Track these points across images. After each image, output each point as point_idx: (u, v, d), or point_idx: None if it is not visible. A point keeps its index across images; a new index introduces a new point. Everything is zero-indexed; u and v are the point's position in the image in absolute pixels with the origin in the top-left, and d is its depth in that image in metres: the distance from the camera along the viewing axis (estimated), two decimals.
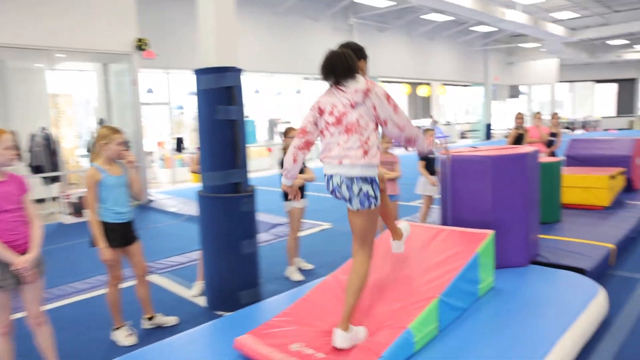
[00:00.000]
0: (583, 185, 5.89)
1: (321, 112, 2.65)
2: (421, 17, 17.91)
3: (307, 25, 15.17)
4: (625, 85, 30.73)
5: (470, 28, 20.38)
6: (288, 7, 14.02)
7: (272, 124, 15.30)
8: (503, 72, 25.66)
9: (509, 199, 3.77)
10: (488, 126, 24.23)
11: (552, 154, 7.70)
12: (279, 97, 17.64)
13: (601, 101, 31.21)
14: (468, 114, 26.31)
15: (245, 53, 13.45)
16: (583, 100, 31.28)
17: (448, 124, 24.31)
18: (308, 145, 2.71)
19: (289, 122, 17.78)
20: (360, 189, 2.52)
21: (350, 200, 2.58)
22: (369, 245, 2.65)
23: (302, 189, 4.80)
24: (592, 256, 4.08)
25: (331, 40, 16.19)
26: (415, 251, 3.31)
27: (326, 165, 2.63)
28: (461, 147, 17.19)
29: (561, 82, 28.62)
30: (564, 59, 26.54)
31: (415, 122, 23.10)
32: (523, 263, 3.87)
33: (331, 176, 2.61)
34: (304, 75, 16.11)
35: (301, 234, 5.24)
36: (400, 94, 21.69)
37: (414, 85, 21.78)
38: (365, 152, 2.49)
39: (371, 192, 2.54)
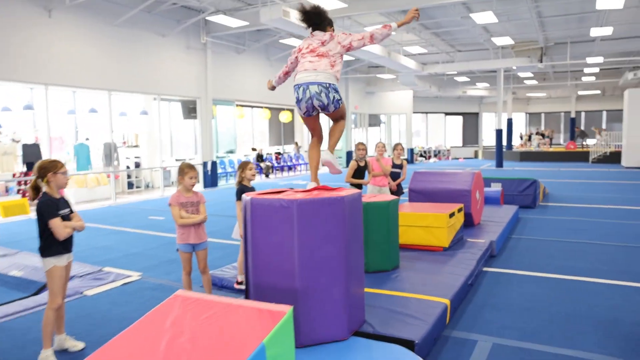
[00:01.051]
0: (422, 225, 5.40)
1: (300, 50, 3.65)
2: (279, 41, 17.45)
3: (153, 41, 13.75)
4: (470, 118, 33.60)
5: None
6: (127, 19, 12.51)
7: (110, 147, 13.45)
8: (363, 101, 26.34)
9: (321, 255, 2.93)
10: (349, 154, 24.50)
11: (399, 187, 7.31)
12: (124, 118, 15.83)
13: (450, 132, 33.68)
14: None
15: (78, 67, 11.65)
16: (435, 131, 33.47)
17: None
18: (286, 74, 3.98)
19: (137, 146, 16.04)
20: (334, 97, 3.50)
21: (327, 107, 3.54)
22: (344, 116, 3.82)
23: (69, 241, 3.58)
24: (425, 319, 3.40)
25: (183, 60, 15.07)
26: (178, 347, 2.27)
27: (301, 75, 3.52)
28: (281, 185, 16.67)
29: (416, 112, 30.28)
30: (418, 92, 28.11)
31: (277, 148, 22.60)
32: (342, 335, 3.04)
33: (307, 85, 3.46)
34: (153, 95, 14.59)
35: (78, 296, 3.95)
36: (260, 119, 20.99)
37: (276, 110, 21.24)
38: (332, 66, 3.52)
39: (338, 97, 3.54)
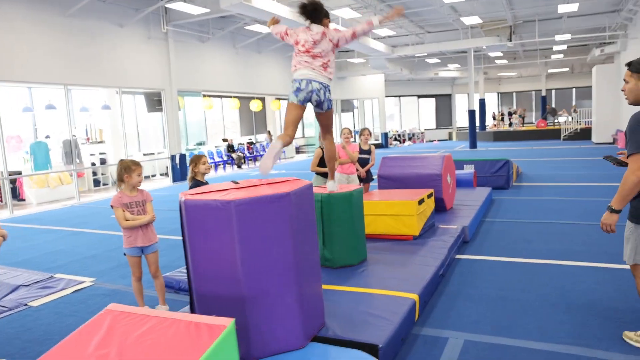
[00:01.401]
0: (391, 213, 5.14)
1: (297, 42, 3.96)
2: (245, 27, 16.94)
3: (111, 32, 13.11)
4: (443, 100, 33.55)
5: None
6: (80, 9, 11.87)
7: (71, 144, 12.85)
8: (334, 86, 25.97)
9: (267, 259, 2.63)
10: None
11: (368, 174, 7.04)
12: (86, 113, 15.19)
13: (424, 114, 33.62)
14: (305, 128, 26.05)
15: (29, 62, 11.00)
16: (409, 114, 33.35)
17: None
18: (281, 35, 4.18)
19: (102, 142, 15.43)
20: (328, 97, 3.95)
21: (322, 105, 3.94)
22: (331, 130, 4.29)
23: None
24: (391, 319, 3.14)
25: (144, 51, 14.42)
26: None
27: (303, 72, 3.86)
28: (226, 179, 16.66)
29: (388, 96, 30.07)
30: (390, 75, 27.86)
31: (249, 138, 22.13)
32: (298, 344, 2.76)
33: (310, 81, 3.83)
34: (114, 89, 13.99)
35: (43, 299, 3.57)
36: (229, 109, 20.49)
37: (246, 99, 20.76)
38: (325, 68, 3.91)
39: (330, 98, 4.00)
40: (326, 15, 3.99)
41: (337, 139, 6.83)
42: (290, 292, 2.67)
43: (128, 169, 3.89)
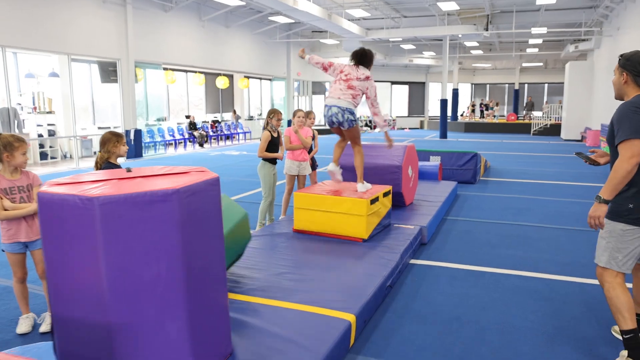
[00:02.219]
0: (340, 211, 4.51)
1: (341, 71, 4.68)
2: None
3: None
4: (416, 88, 33.11)
5: (269, 18, 19.10)
6: None
7: (9, 113, 11.76)
8: (306, 67, 25.15)
9: (143, 275, 1.95)
10: (289, 122, 23.41)
11: (312, 161, 6.42)
12: (33, 81, 14.03)
13: (396, 101, 33.12)
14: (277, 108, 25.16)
15: None
16: (381, 100, 32.79)
17: (251, 118, 22.85)
18: (324, 68, 4.86)
19: (51, 112, 14.30)
20: (348, 118, 4.59)
21: (342, 124, 4.64)
22: (358, 142, 4.88)
23: None
24: (316, 349, 2.52)
25: (98, 15, 13.22)
26: None
27: (329, 99, 4.64)
28: (210, 157, 15.56)
29: None
30: None
31: (215, 116, 21.17)
32: None
33: (330, 107, 4.61)
34: (63, 55, 12.86)
35: None
36: (194, 85, 19.47)
37: (213, 75, 19.77)
38: (354, 98, 4.59)
39: (352, 119, 4.61)
40: (370, 62, 4.77)
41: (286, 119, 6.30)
42: (177, 318, 2.01)
43: (9, 146, 3.13)
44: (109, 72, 14.69)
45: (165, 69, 16.54)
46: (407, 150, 6.03)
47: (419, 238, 4.93)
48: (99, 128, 15.91)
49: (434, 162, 9.03)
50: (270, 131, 5.64)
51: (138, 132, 14.62)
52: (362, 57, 4.71)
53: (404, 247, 4.35)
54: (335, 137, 5.22)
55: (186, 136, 18.10)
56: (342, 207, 4.49)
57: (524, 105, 28.36)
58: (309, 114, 6.45)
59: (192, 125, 18.44)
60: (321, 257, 4.06)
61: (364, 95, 4.67)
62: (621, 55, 2.69)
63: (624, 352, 2.63)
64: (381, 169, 5.85)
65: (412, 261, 4.58)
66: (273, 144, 5.69)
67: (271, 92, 23.60)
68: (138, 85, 15.64)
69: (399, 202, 5.91)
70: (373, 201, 4.54)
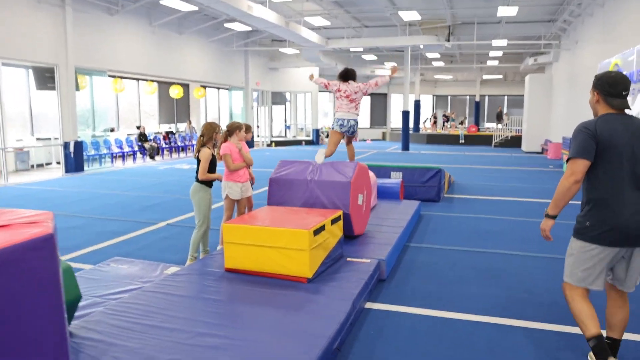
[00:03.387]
0: (276, 245, 3.73)
1: (338, 90, 5.79)
2: (161, 2, 14.94)
3: None
4: (378, 99, 32.81)
5: (225, 25, 18.25)
6: None
7: None
8: (265, 77, 24.36)
9: None
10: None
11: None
12: None
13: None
14: (235, 119, 24.15)
15: None
16: None
17: None
18: (325, 86, 6.01)
19: None
20: (356, 127, 5.92)
21: (350, 131, 5.87)
22: (351, 143, 6.29)
23: None
24: None
25: (33, 17, 11.81)
26: None
27: (344, 114, 5.79)
28: (159, 171, 14.45)
29: (323, 92, 28.84)
30: (324, 69, 26.63)
31: (169, 127, 20.07)
32: None
33: (349, 120, 5.80)
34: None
35: None
36: (144, 94, 18.36)
37: (167, 84, 18.72)
38: (357, 108, 5.84)
39: (357, 128, 5.95)
40: (354, 78, 5.89)
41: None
42: None
43: None
44: (45, 78, 13.49)
45: (112, 76, 15.43)
46: (356, 171, 5.25)
47: (376, 274, 4.19)
48: (38, 139, 14.64)
49: (395, 179, 8.38)
50: (210, 149, 4.83)
51: (79, 145, 13.45)
52: (347, 75, 5.89)
53: (358, 289, 3.59)
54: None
55: (136, 148, 16.96)
56: (280, 240, 3.70)
57: (496, 115, 28.18)
58: (249, 128, 5.68)
59: (142, 137, 17.31)
60: (253, 308, 3.24)
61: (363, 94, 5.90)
62: (595, 76, 2.78)
63: (592, 355, 2.70)
64: (329, 185, 5.08)
65: (368, 304, 3.83)
66: (212, 164, 4.88)
67: (230, 102, 22.66)
68: (82, 93, 14.49)
69: (348, 229, 5.14)
70: (317, 231, 3.77)
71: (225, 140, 5.11)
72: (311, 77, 6.40)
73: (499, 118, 27.12)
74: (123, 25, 15.00)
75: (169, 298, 3.38)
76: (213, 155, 4.86)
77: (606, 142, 2.56)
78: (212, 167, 4.86)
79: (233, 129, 5.14)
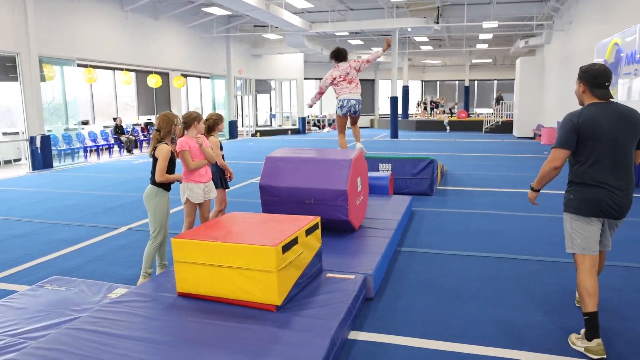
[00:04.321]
0: (237, 265, 3.00)
1: (333, 79, 6.10)
2: None
3: None
4: (366, 85, 32.00)
5: (204, 10, 17.32)
6: None
7: None
8: (248, 64, 23.44)
9: None
10: (232, 124, 21.67)
11: (222, 177, 4.99)
12: None
13: None
14: (218, 109, 23.13)
15: None
16: (330, 99, 31.50)
17: None
18: (321, 94, 6.34)
19: None
20: (360, 107, 6.20)
21: (357, 112, 6.20)
22: (356, 122, 6.61)
23: None
24: None
25: None
26: None
27: (344, 95, 6.09)
28: (132, 166, 13.69)
29: (309, 78, 27.99)
30: (310, 55, 25.76)
31: (148, 118, 19.12)
32: None
33: (349, 100, 6.05)
34: None
35: None
36: (119, 84, 17.41)
37: (145, 74, 17.78)
38: (357, 87, 6.15)
39: (361, 107, 6.23)
40: (346, 57, 6.21)
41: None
42: None
43: None
44: (7, 68, 12.56)
45: (83, 65, 14.50)
46: (353, 163, 4.58)
47: (362, 294, 3.50)
48: (4, 134, 13.71)
49: (384, 171, 7.69)
50: (168, 144, 4.07)
51: (46, 139, 12.56)
52: (339, 55, 6.19)
53: (339, 319, 2.89)
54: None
55: (112, 142, 16.07)
56: (241, 258, 2.98)
57: (494, 99, 27.24)
58: (218, 120, 4.96)
59: (119, 129, 16.42)
60: (202, 353, 2.53)
61: (360, 68, 6.22)
62: (580, 68, 2.99)
63: (582, 330, 2.96)
64: (320, 194, 4.39)
65: (353, 334, 3.14)
66: (171, 163, 4.13)
67: (213, 91, 21.75)
68: (51, 84, 13.57)
69: (346, 228, 4.48)
70: (288, 246, 3.05)
71: (183, 134, 4.36)
72: (309, 105, 6.55)
73: (498, 102, 26.30)
74: (91, 11, 14.04)
75: (98, 339, 2.66)
76: (172, 153, 4.12)
77: (589, 131, 2.83)
78: (171, 167, 4.11)
79: (190, 120, 4.38)
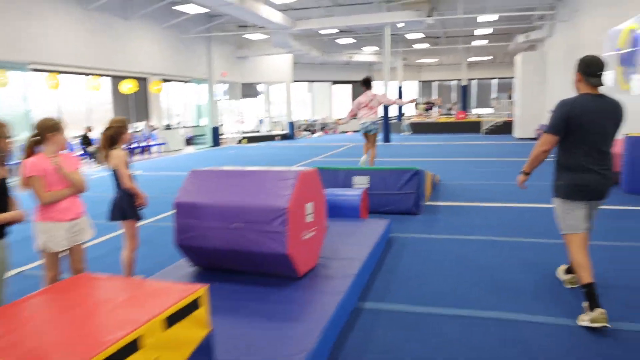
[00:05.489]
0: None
1: (360, 103, 8.29)
2: None
3: None
4: (360, 87, 30.66)
5: (176, 8, 16.02)
6: None
7: None
8: (233, 67, 22.12)
9: None
10: (215, 130, 20.31)
11: (130, 205, 3.64)
12: None
13: (338, 102, 30.56)
14: (202, 116, 21.68)
15: None
16: (322, 101, 30.18)
17: (168, 128, 19.60)
18: (353, 115, 8.56)
19: None
20: (374, 127, 8.30)
21: (371, 131, 8.26)
22: (374, 144, 8.50)
23: None
24: None
25: None
26: None
27: (362, 118, 8.25)
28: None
29: (298, 81, 26.68)
30: (299, 57, 24.43)
31: (133, 127, 17.70)
32: None
33: (364, 122, 8.22)
34: None
35: None
36: (86, 90, 16.06)
37: (117, 79, 16.46)
38: (375, 113, 8.28)
39: (376, 127, 8.29)
40: (370, 86, 8.34)
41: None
42: None
43: None
44: None
45: (41, 70, 13.17)
46: (299, 182, 3.22)
47: None
48: None
49: (360, 185, 6.32)
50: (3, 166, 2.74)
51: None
52: (367, 82, 8.36)
53: None
54: None
55: (78, 153, 14.74)
56: None
57: (508, 96, 25.49)
58: (120, 129, 3.63)
59: (85, 140, 15.09)
60: None
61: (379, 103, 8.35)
62: (578, 59, 3.15)
63: (585, 303, 3.07)
64: (251, 212, 3.04)
65: None
66: (2, 194, 2.77)
67: (198, 96, 20.43)
68: (9, 91, 12.26)
69: (282, 273, 3.12)
70: (171, 320, 1.68)
71: (32, 152, 3.00)
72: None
73: (510, 96, 24.73)
74: (48, 10, 12.74)
75: None
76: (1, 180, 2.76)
77: (577, 120, 3.05)
78: (2, 200, 2.74)
79: (44, 131, 3.02)
